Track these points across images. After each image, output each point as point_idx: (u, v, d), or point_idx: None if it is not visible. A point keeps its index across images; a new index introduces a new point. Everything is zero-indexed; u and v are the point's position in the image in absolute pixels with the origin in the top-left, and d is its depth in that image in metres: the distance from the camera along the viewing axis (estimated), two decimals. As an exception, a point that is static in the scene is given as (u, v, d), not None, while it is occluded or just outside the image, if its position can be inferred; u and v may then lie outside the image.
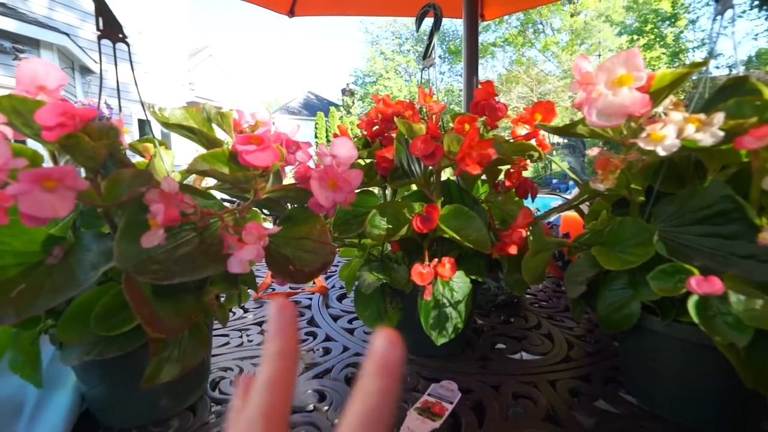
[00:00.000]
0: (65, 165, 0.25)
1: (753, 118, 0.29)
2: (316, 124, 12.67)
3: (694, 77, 0.40)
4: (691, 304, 0.34)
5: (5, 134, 0.26)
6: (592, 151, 0.40)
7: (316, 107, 16.17)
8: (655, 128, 0.32)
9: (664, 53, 13.08)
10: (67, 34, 5.24)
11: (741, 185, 0.36)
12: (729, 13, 0.40)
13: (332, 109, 12.93)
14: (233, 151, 0.34)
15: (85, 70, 5.68)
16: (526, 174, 0.58)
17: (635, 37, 13.43)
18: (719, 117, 0.30)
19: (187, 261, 0.32)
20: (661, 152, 0.32)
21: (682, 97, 0.42)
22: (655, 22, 12.95)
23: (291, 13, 1.83)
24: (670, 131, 0.31)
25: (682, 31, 12.80)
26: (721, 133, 0.30)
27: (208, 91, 9.25)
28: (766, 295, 0.31)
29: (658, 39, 13.08)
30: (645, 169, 0.42)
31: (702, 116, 0.31)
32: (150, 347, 0.32)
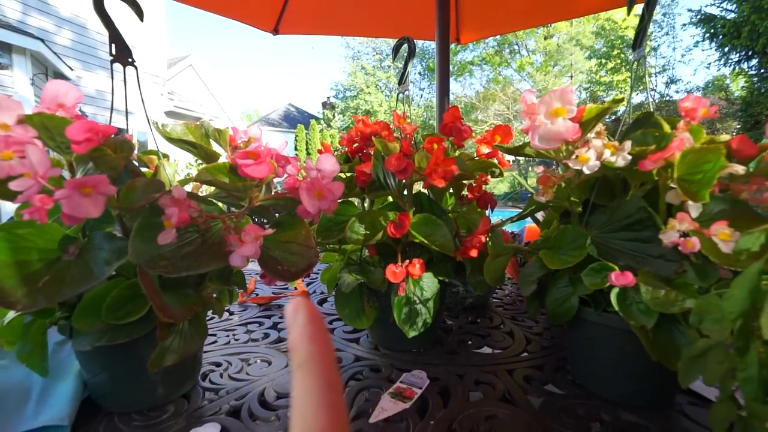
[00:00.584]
0: (97, 175, 0.30)
1: (652, 146, 0.37)
2: (297, 136, 12.63)
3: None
4: (613, 295, 0.41)
5: (42, 147, 0.31)
6: (538, 169, 0.48)
7: (296, 120, 16.19)
8: (581, 151, 0.40)
9: (629, 77, 13.87)
10: (42, 40, 5.13)
11: (655, 199, 0.44)
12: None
13: (313, 122, 12.94)
14: (233, 164, 0.40)
15: (60, 77, 5.56)
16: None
17: (603, 60, 14.21)
18: (628, 144, 0.38)
19: (192, 258, 0.37)
20: (586, 171, 0.39)
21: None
22: (621, 48, 13.76)
23: (275, 31, 1.90)
24: (592, 154, 0.39)
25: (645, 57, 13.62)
26: (630, 157, 0.38)
27: (187, 101, 9.14)
28: (668, 287, 0.39)
29: (624, 63, 13.88)
30: (583, 184, 0.50)
31: (616, 143, 0.39)
32: (158, 331, 0.37)
